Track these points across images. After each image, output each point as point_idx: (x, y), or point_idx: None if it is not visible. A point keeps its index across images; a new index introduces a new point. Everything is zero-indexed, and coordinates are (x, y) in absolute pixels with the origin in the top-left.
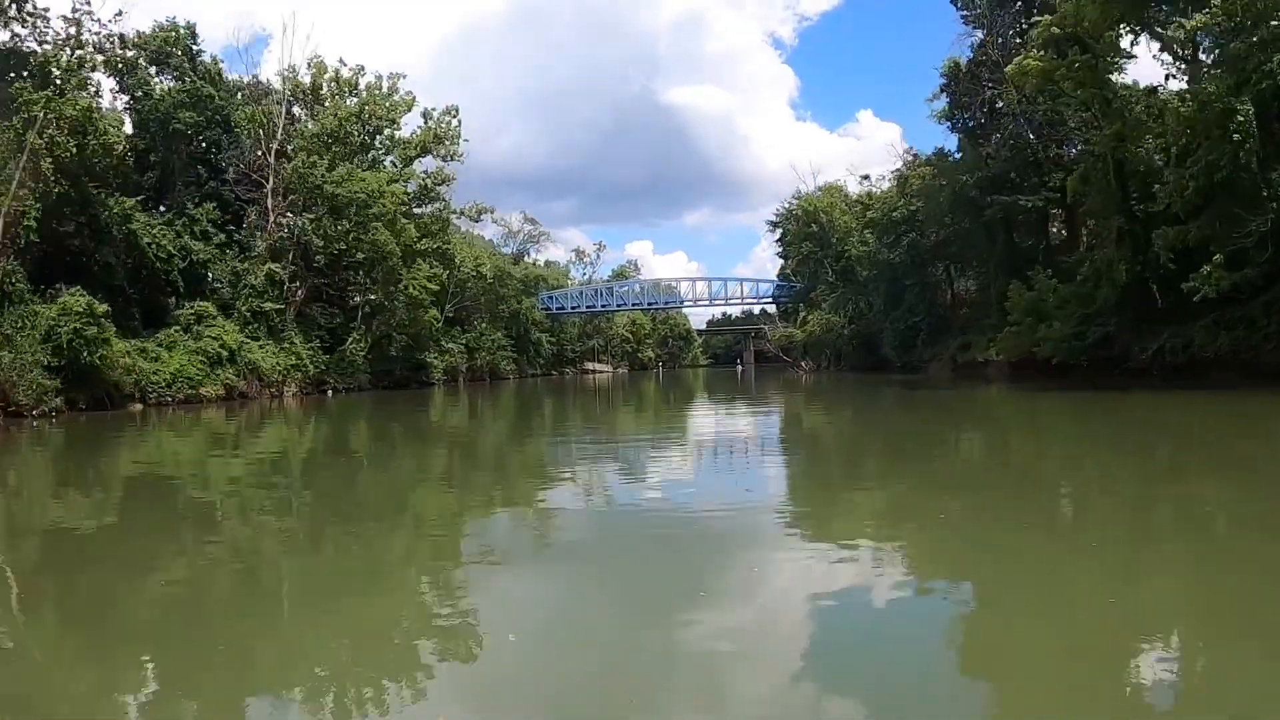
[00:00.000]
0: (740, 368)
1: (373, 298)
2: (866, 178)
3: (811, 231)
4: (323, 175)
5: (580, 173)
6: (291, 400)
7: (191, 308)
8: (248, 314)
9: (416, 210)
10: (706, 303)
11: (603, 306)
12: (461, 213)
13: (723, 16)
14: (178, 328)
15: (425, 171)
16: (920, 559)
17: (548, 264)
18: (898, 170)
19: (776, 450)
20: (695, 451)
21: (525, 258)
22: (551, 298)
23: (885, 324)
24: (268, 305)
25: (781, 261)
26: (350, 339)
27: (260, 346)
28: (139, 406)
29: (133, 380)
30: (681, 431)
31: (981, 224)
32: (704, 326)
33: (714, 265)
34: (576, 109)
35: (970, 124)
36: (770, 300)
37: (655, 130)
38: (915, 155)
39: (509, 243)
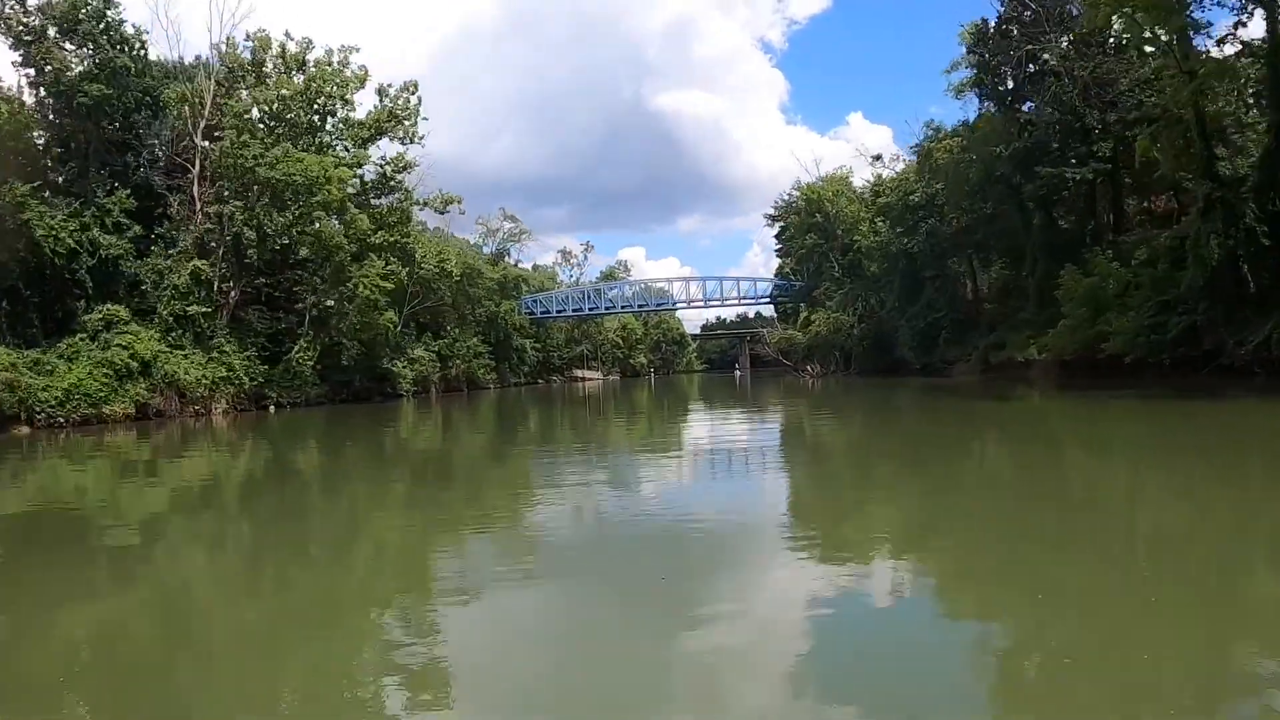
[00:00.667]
0: (739, 373)
1: (325, 300)
2: (878, 158)
3: (815, 222)
4: (255, 157)
5: (573, 179)
6: (221, 418)
7: (100, 312)
8: (170, 319)
9: (375, 201)
10: (701, 303)
11: (590, 310)
12: (425, 203)
13: (713, 21)
14: (83, 335)
15: (384, 157)
16: (953, 588)
17: (536, 268)
18: (917, 146)
19: (797, 475)
20: (707, 478)
21: (506, 258)
22: (535, 301)
23: (901, 322)
24: (194, 309)
25: (779, 261)
26: (296, 347)
27: (185, 357)
28: (25, 429)
29: (16, 398)
30: (683, 452)
31: (1016, 203)
32: (698, 331)
33: (707, 270)
34: (569, 114)
35: (1001, 89)
36: (768, 300)
37: (647, 136)
38: (937, 129)
39: (489, 242)
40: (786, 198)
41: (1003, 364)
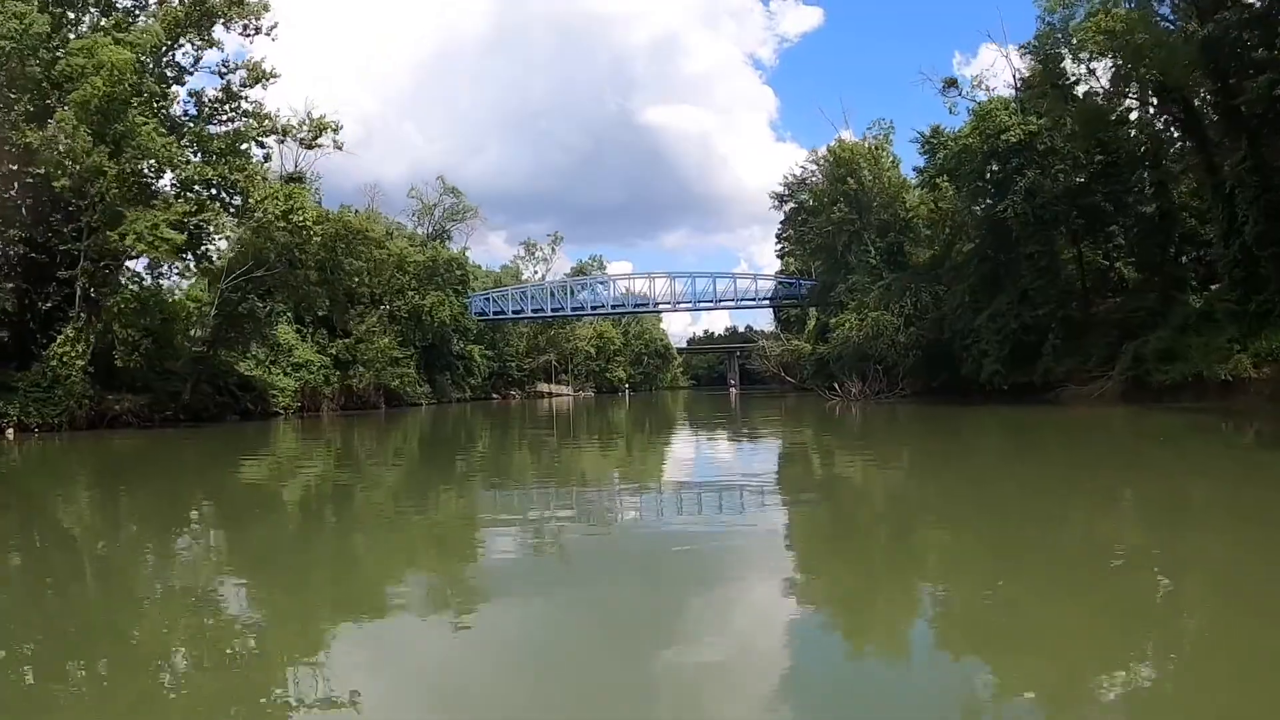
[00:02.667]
0: (733, 390)
1: (101, 268)
2: (953, 83)
3: (846, 189)
4: None
5: (558, 193)
6: None
7: None
8: None
9: (213, 129)
10: (689, 305)
11: (555, 311)
12: (285, 131)
13: (700, 37)
14: None
15: (226, 62)
16: None
17: (503, 268)
18: (1028, 45)
19: None
20: None
21: (446, 241)
22: (488, 299)
23: (977, 323)
24: None
25: (779, 262)
26: (58, 341)
27: None
28: None
29: None
30: None
31: (1191, 127)
32: (684, 345)
33: (693, 284)
34: (554, 129)
35: None
36: (768, 303)
37: (633, 150)
38: (1066, 19)
39: (425, 222)
40: (799, 171)
41: (1172, 386)
